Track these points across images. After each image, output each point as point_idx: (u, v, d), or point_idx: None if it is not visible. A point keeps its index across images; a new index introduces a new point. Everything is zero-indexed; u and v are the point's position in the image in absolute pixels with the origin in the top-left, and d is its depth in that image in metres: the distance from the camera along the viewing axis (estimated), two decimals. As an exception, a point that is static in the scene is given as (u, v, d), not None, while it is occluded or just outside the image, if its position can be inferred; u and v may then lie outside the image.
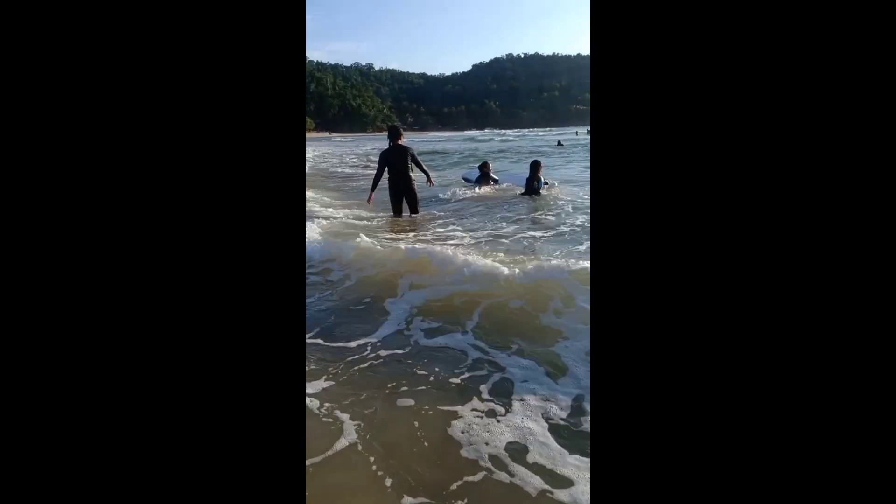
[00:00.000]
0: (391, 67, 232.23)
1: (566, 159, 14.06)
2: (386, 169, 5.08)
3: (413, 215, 5.10)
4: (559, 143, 23.33)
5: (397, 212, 5.14)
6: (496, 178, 7.43)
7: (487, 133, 67.14)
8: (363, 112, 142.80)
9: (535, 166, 6.22)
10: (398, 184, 5.08)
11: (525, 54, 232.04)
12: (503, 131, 77.98)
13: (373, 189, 5.23)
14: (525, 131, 75.17)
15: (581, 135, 40.52)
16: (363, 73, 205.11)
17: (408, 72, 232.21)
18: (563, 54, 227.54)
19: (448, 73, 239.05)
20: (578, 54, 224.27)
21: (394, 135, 5.15)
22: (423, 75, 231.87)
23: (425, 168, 5.26)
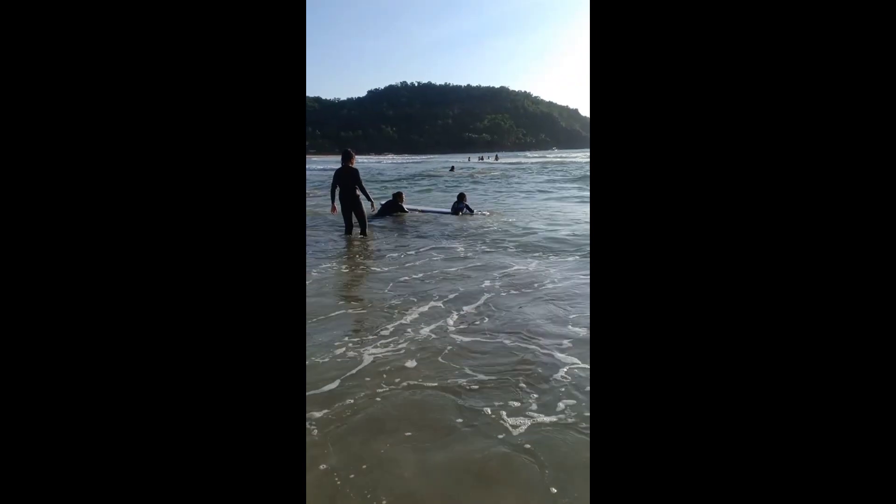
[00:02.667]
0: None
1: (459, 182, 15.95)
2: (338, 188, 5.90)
3: (362, 235, 5.77)
4: (452, 169, 24.73)
5: (348, 228, 5.90)
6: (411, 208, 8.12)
7: (389, 159, 68.23)
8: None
9: (462, 196, 7.96)
10: (346, 201, 5.86)
11: (419, 83, 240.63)
12: (402, 157, 80.00)
13: (332, 200, 5.99)
14: (426, 157, 77.73)
15: (486, 160, 43.07)
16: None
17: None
18: (454, 84, 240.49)
19: (343, 97, 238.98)
20: (468, 85, 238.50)
21: (346, 158, 6.04)
22: (317, 99, 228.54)
23: (368, 193, 6.05)
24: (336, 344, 2.32)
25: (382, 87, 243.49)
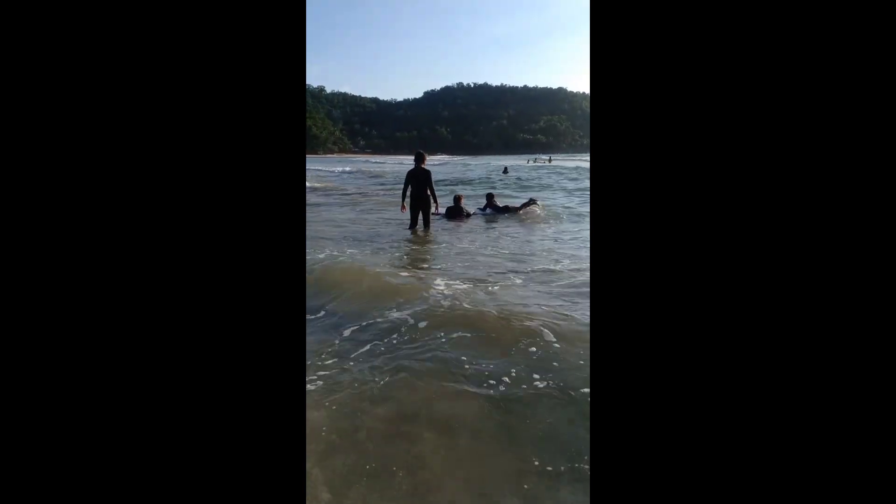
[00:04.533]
0: (343, 91, 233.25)
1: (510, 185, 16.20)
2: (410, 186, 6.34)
3: (425, 231, 6.21)
4: (505, 171, 24.25)
5: (413, 223, 6.35)
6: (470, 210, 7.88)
7: (443, 159, 69.07)
8: (314, 134, 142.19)
9: (489, 196, 8.28)
10: (416, 200, 6.33)
11: (475, 84, 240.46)
12: (456, 157, 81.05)
13: (403, 199, 6.46)
14: (481, 158, 77.88)
15: (541, 161, 42.80)
16: (314, 96, 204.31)
17: (360, 96, 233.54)
18: (511, 85, 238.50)
19: (400, 98, 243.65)
20: (525, 86, 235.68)
21: (419, 159, 6.47)
22: (375, 100, 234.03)
23: (435, 194, 6.53)
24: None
25: (438, 87, 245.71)
